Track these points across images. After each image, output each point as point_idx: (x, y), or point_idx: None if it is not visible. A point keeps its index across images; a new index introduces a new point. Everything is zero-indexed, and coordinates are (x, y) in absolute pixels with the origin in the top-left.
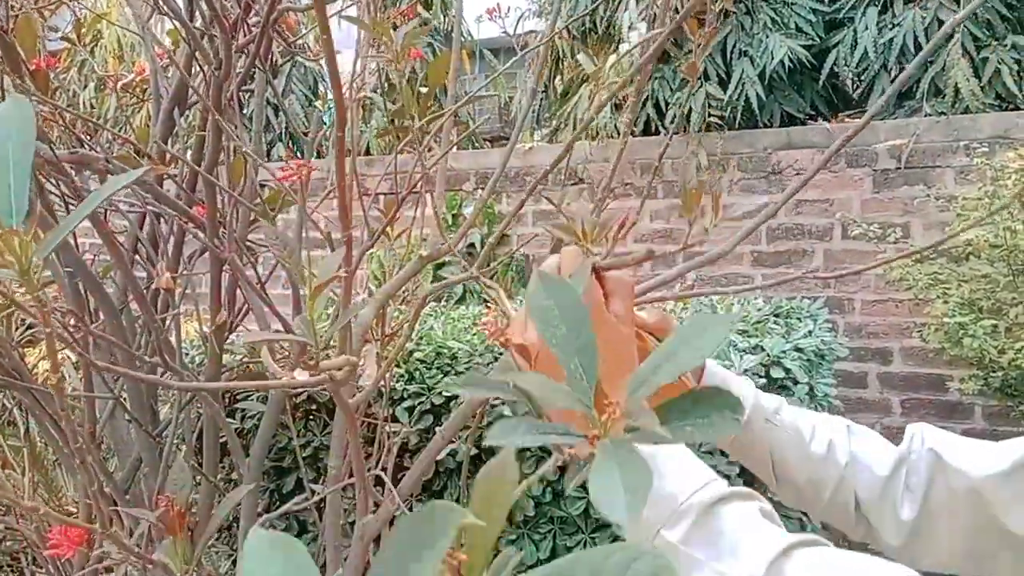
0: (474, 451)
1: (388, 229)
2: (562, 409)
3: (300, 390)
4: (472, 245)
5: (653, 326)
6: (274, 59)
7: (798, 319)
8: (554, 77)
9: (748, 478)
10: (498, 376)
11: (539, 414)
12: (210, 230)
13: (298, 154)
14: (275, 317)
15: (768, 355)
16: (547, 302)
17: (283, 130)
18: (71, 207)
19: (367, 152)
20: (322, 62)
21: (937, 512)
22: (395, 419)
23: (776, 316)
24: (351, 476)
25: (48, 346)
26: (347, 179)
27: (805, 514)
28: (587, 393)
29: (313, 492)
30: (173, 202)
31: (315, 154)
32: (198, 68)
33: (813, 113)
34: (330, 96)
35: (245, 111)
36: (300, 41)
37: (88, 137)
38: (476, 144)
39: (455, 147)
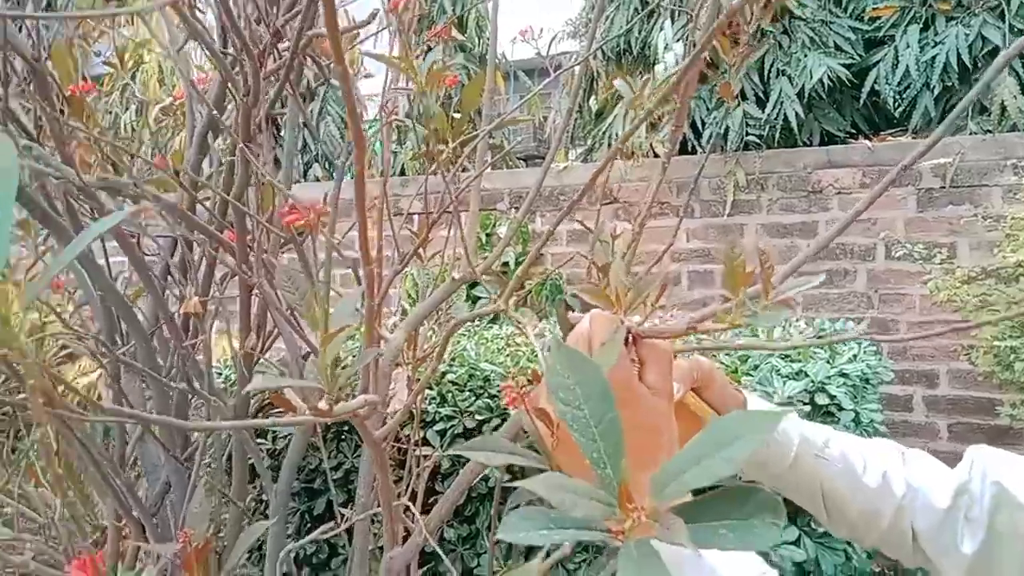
0: (507, 477)
1: (420, 250)
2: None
3: None
4: (506, 264)
5: (691, 383)
6: (308, 83)
7: (842, 342)
8: (588, 97)
9: (792, 508)
10: (506, 434)
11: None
12: (239, 255)
13: (332, 175)
14: (303, 341)
15: (812, 381)
16: (567, 380)
17: (319, 151)
18: None
19: (402, 172)
20: (359, 83)
21: (1000, 546)
22: (426, 442)
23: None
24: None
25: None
26: (379, 201)
27: (849, 544)
28: (611, 484)
29: (343, 516)
30: (203, 227)
31: (349, 175)
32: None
33: (853, 131)
34: (367, 117)
35: (282, 132)
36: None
37: (125, 162)
38: (510, 164)
39: (489, 167)
